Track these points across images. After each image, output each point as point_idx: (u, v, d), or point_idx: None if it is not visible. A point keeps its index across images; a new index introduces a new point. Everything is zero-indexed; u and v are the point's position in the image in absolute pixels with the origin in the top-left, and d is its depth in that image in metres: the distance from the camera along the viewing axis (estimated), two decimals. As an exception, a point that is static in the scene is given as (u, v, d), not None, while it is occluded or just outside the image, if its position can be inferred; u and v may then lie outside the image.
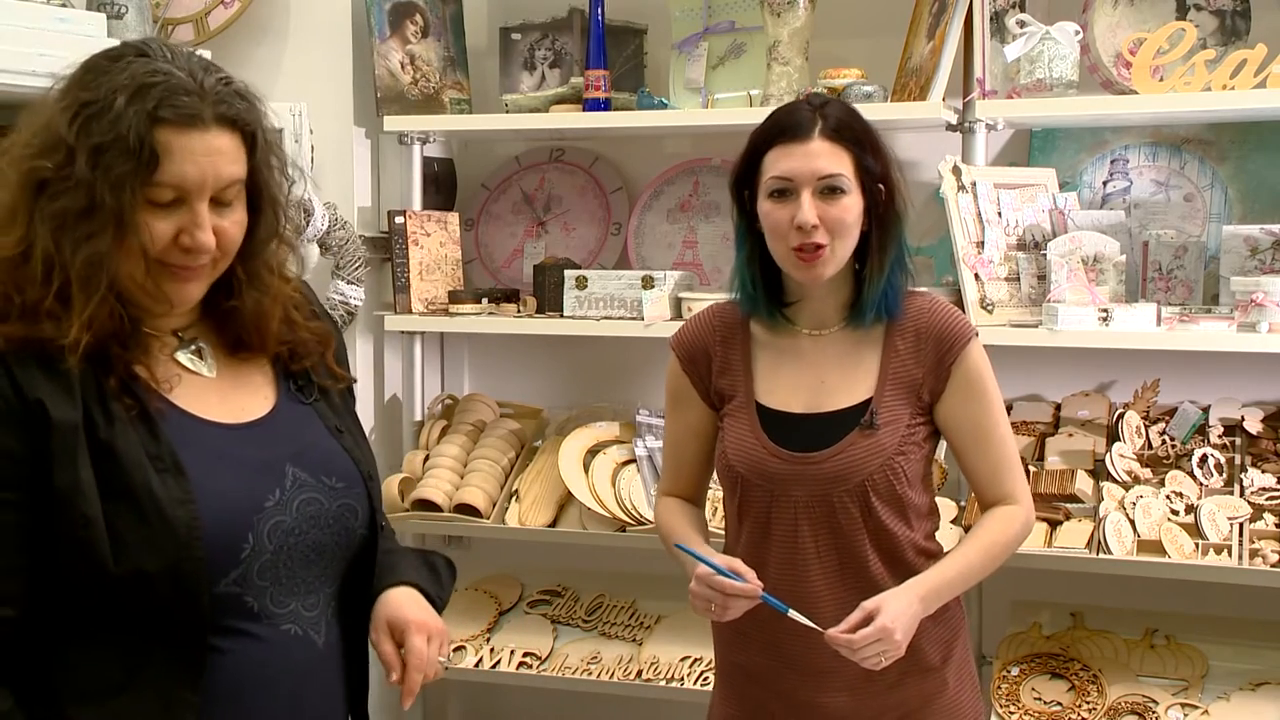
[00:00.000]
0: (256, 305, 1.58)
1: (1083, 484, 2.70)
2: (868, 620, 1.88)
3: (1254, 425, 2.72)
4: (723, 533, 2.19)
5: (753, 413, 2.05)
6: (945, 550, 2.08)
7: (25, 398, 1.40)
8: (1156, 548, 2.55)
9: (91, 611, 1.44)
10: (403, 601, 1.64)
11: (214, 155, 1.46)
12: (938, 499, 2.28)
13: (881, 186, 2.00)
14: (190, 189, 1.45)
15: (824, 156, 1.95)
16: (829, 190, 1.95)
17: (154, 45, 1.50)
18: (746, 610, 1.95)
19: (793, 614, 1.92)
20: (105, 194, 1.41)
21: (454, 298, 3.08)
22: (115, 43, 1.60)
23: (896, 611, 1.89)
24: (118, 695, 1.44)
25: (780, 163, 1.97)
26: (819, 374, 2.04)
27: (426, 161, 3.23)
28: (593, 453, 3.01)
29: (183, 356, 1.55)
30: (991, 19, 2.78)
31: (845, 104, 2.06)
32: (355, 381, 1.74)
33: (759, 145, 2.01)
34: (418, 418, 3.25)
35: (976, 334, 2.07)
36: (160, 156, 1.42)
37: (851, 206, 1.96)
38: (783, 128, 1.99)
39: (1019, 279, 2.73)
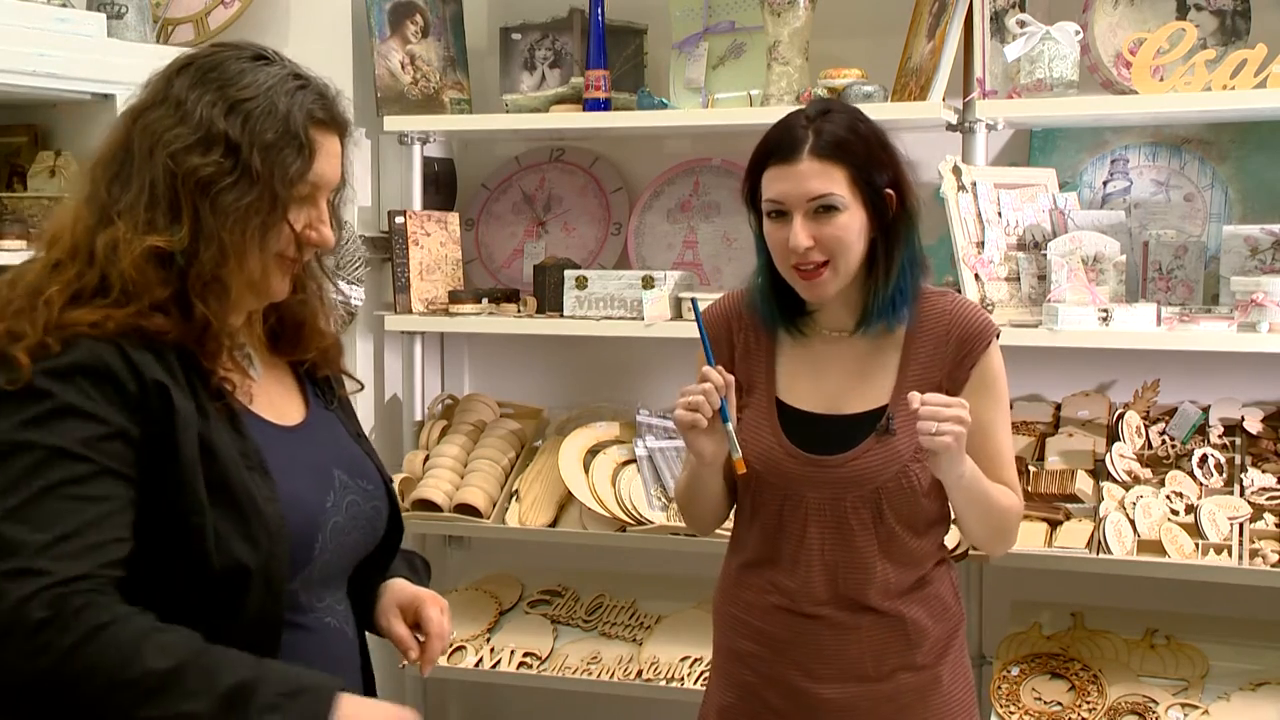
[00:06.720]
0: (302, 307, 1.63)
1: (1083, 484, 2.70)
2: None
3: (1254, 425, 2.72)
4: (728, 533, 2.19)
5: (772, 409, 2.04)
6: (953, 550, 2.08)
7: (145, 380, 1.41)
8: (1156, 548, 2.55)
9: (170, 615, 1.43)
10: (403, 585, 1.72)
11: (336, 157, 1.56)
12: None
13: (891, 192, 1.96)
14: (324, 186, 1.54)
15: (814, 177, 1.91)
16: (822, 210, 1.92)
17: (266, 49, 1.56)
18: (709, 415, 1.93)
19: (729, 427, 1.94)
20: (279, 188, 1.47)
21: (454, 298, 3.08)
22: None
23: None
24: None
25: (772, 185, 1.95)
26: (838, 376, 2.03)
27: (426, 161, 3.23)
28: (593, 453, 3.01)
29: (238, 357, 1.56)
30: (991, 19, 2.78)
31: (846, 112, 1.99)
32: (362, 388, 1.81)
33: (755, 165, 1.99)
34: (418, 418, 3.26)
35: (998, 334, 2.06)
36: (315, 154, 1.50)
37: (848, 224, 1.93)
38: (773, 148, 1.96)
39: (1019, 279, 2.73)
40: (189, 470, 1.41)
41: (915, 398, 1.87)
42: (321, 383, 1.68)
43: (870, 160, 1.94)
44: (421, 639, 1.71)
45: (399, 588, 1.72)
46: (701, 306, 2.17)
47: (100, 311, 1.41)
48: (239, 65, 1.49)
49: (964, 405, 1.87)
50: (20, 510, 1.34)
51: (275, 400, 1.59)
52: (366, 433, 3.21)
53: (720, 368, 1.96)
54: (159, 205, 1.44)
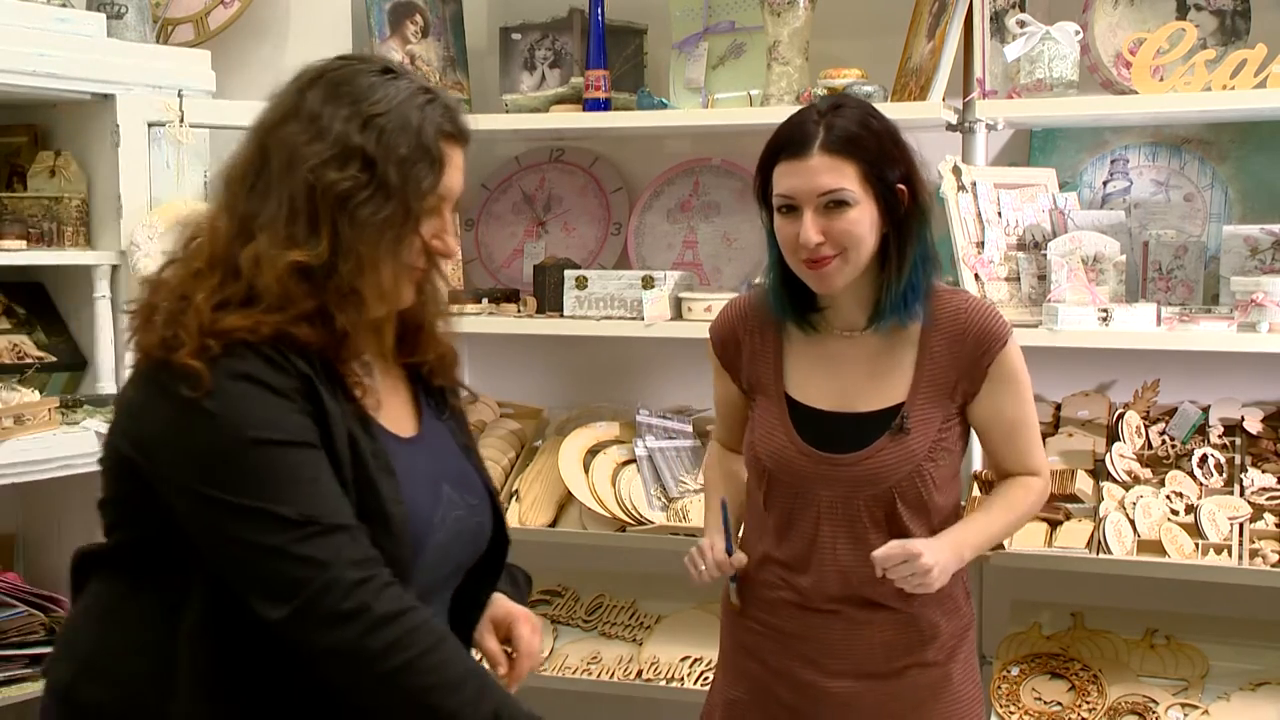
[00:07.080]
0: (422, 310, 1.65)
1: (1083, 484, 2.70)
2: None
3: (1254, 425, 2.72)
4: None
5: (783, 406, 2.04)
6: None
7: (303, 379, 1.44)
8: (1156, 548, 2.55)
9: None
10: (500, 600, 1.75)
11: (461, 169, 1.57)
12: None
13: (903, 187, 1.96)
14: (450, 198, 1.55)
15: (824, 173, 1.91)
16: (833, 205, 1.92)
17: (392, 62, 1.57)
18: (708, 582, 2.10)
19: (733, 588, 2.09)
20: (412, 200, 1.49)
21: (454, 298, 3.08)
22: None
23: (931, 546, 1.93)
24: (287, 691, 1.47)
25: (783, 180, 1.95)
26: (851, 374, 2.03)
27: (426, 161, 3.23)
28: (593, 453, 3.01)
29: (358, 366, 1.58)
30: (991, 19, 2.78)
31: (858, 108, 1.99)
32: (476, 399, 1.81)
33: (766, 160, 1.99)
34: (418, 418, 3.25)
35: (1012, 332, 2.05)
36: (444, 166, 1.52)
37: (858, 219, 1.92)
38: (785, 143, 1.96)
39: (1019, 279, 2.73)
40: (342, 467, 1.44)
41: (878, 566, 1.92)
42: (436, 393, 1.69)
43: (882, 156, 1.94)
44: (512, 654, 1.73)
45: (495, 602, 1.74)
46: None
47: (251, 318, 1.43)
48: (369, 79, 1.50)
49: (901, 547, 1.91)
50: (297, 501, 1.39)
51: (393, 411, 1.60)
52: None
53: (736, 556, 2.08)
54: (299, 219, 1.46)
